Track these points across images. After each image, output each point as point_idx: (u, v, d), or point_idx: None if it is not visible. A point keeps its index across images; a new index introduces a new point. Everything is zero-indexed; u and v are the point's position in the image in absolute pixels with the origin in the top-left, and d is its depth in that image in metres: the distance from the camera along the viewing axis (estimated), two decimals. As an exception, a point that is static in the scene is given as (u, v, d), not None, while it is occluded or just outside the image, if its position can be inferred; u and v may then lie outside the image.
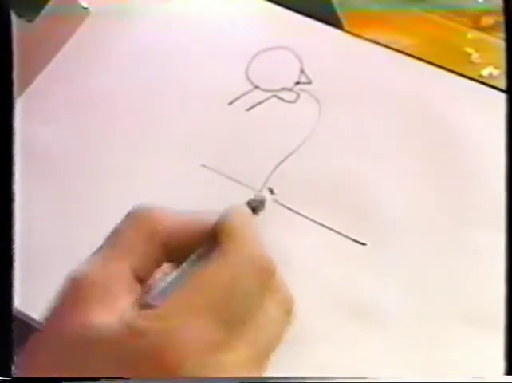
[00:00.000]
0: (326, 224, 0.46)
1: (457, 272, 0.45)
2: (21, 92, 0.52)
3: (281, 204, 0.47)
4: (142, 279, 0.32)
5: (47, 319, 0.30)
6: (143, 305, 0.30)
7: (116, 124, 0.52)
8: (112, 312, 0.29)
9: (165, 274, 0.33)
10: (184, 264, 0.32)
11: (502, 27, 0.40)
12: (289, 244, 0.45)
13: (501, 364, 0.36)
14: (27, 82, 0.53)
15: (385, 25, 0.54)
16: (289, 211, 0.47)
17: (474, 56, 0.53)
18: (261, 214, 0.44)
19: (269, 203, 0.48)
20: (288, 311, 0.32)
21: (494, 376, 0.37)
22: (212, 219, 0.33)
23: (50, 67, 0.54)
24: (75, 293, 0.30)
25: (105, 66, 0.54)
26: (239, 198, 0.48)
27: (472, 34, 0.55)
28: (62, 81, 0.54)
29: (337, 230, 0.46)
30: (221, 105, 0.52)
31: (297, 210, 0.47)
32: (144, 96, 0.53)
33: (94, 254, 0.32)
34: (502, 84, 0.47)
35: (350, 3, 0.56)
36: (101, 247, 0.32)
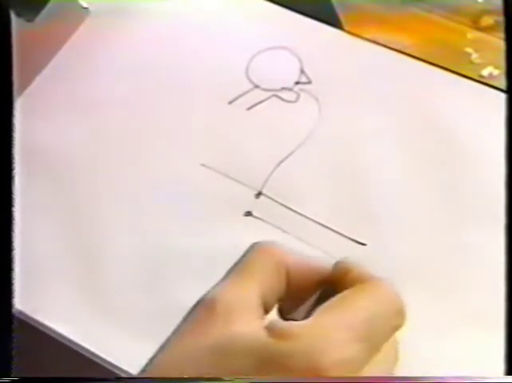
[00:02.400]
0: (326, 224, 0.46)
1: (457, 272, 0.45)
2: (21, 92, 0.52)
3: (281, 204, 0.47)
4: (266, 310, 0.32)
5: (178, 338, 0.30)
6: (288, 318, 0.32)
7: (115, 124, 0.52)
8: (251, 324, 0.29)
9: None
10: None
11: (502, 27, 0.40)
12: (289, 244, 0.45)
13: (501, 364, 0.36)
14: (27, 82, 0.53)
15: (385, 25, 0.54)
16: (289, 211, 0.47)
17: (474, 56, 0.53)
18: (262, 214, 0.44)
19: (268, 203, 0.48)
20: (396, 355, 0.34)
21: (494, 376, 0.37)
22: (329, 265, 0.34)
23: (50, 67, 0.54)
24: (209, 309, 0.30)
25: (105, 66, 0.54)
26: (239, 198, 0.48)
27: (472, 34, 0.54)
28: (62, 81, 0.54)
29: (337, 230, 0.46)
30: (221, 105, 0.52)
31: (297, 210, 0.47)
32: (144, 96, 0.53)
33: (222, 280, 0.32)
34: (502, 84, 0.48)
35: (350, 3, 0.56)
36: (229, 274, 0.32)
